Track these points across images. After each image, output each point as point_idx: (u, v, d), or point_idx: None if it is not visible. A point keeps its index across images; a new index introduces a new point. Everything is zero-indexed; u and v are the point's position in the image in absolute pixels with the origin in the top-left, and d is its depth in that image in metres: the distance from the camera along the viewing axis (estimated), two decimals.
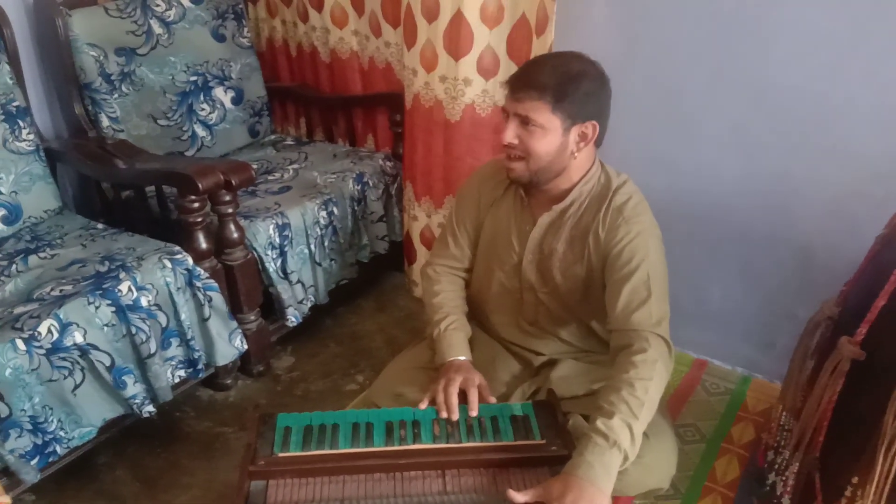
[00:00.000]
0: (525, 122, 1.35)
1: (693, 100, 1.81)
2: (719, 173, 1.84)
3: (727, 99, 1.76)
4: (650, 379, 1.29)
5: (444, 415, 1.38)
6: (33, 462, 1.50)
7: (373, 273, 2.38)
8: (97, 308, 1.54)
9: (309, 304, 2.07)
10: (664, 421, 1.49)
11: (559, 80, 1.31)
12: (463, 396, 1.40)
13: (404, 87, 2.05)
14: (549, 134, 1.35)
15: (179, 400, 1.91)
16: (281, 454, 1.32)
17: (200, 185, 1.64)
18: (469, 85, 1.88)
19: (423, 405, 1.41)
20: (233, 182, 1.70)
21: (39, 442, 1.51)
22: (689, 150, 1.87)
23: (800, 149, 1.70)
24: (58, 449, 1.54)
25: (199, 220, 1.73)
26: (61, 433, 1.55)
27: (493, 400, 1.43)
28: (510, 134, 1.37)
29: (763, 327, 1.95)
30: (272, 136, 2.57)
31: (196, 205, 1.71)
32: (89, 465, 1.73)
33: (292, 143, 2.52)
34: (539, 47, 1.85)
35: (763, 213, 1.82)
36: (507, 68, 1.87)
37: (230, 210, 1.77)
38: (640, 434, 1.26)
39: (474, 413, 1.38)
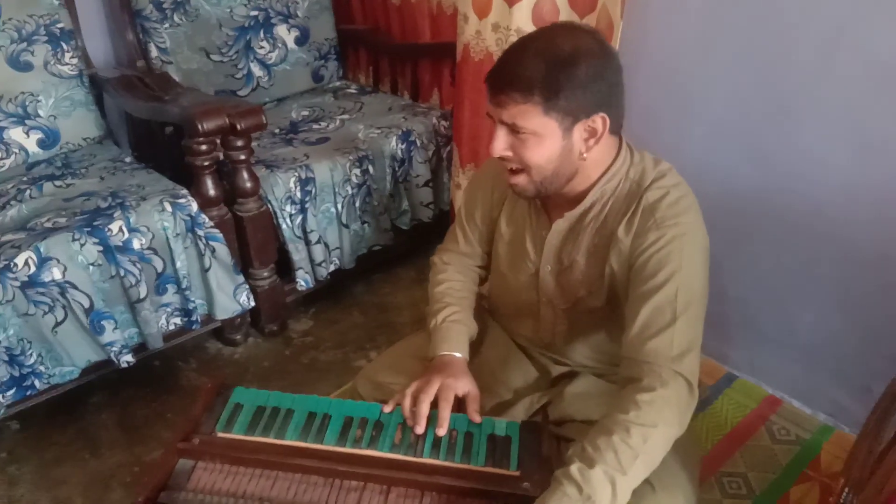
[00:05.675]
0: (514, 129, 1.06)
1: (795, 80, 1.44)
2: (824, 173, 1.47)
3: (840, 79, 1.38)
4: (654, 426, 1.01)
5: (410, 423, 1.18)
6: (9, 393, 1.48)
7: (416, 242, 2.18)
8: (82, 245, 1.46)
9: (331, 268, 1.92)
10: (682, 472, 1.19)
11: (547, 70, 1.00)
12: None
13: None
14: (546, 139, 1.06)
15: (187, 349, 1.85)
16: (221, 434, 1.18)
17: (201, 127, 1.51)
18: None
19: (388, 408, 1.21)
20: (238, 126, 1.55)
21: (17, 374, 1.48)
22: (788, 139, 1.50)
23: None
24: (36, 383, 1.51)
25: (206, 163, 1.61)
26: (41, 368, 1.51)
27: (477, 419, 1.20)
28: (499, 145, 1.08)
29: (860, 367, 1.58)
30: (337, 83, 2.41)
31: (204, 147, 1.58)
32: (80, 403, 1.70)
33: (355, 91, 2.34)
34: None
35: (875, 225, 1.44)
36: (569, 19, 1.56)
37: (242, 157, 1.63)
38: (628, 491, 1.00)
39: (441, 432, 1.15)
